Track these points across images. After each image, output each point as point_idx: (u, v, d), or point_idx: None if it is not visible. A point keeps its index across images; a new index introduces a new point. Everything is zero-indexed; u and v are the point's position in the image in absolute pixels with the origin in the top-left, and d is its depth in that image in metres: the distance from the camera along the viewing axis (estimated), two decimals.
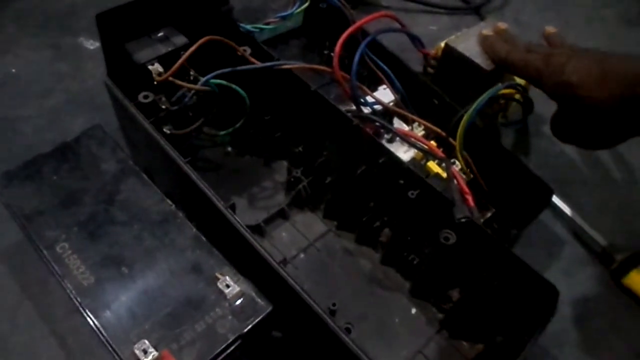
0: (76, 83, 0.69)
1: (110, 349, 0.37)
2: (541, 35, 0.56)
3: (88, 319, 0.38)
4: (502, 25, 0.60)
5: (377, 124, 0.54)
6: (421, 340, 0.49)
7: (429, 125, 0.56)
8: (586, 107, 0.47)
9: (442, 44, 0.62)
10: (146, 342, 0.37)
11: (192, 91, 0.51)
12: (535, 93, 0.54)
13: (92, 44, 0.74)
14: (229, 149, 0.61)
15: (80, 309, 0.39)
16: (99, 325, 0.38)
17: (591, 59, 0.47)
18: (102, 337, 0.37)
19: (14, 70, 0.70)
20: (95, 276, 0.40)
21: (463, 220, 0.44)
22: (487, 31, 0.59)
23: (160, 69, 0.50)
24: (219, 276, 0.40)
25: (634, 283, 0.57)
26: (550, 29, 0.55)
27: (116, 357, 0.36)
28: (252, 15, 0.80)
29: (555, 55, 0.49)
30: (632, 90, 0.44)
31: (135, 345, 0.36)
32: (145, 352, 0.36)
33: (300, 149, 0.56)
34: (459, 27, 0.66)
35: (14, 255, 0.53)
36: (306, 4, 0.64)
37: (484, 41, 0.58)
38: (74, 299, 0.39)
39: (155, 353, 0.36)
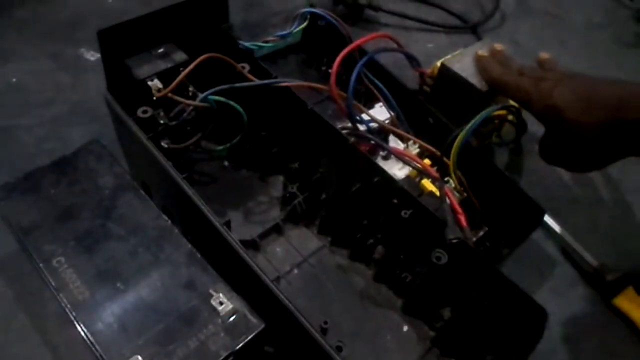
0: (76, 94, 0.70)
1: None
2: (537, 56, 0.57)
3: (82, 333, 0.39)
4: (498, 46, 0.61)
5: (373, 141, 0.55)
6: (412, 358, 0.50)
7: (423, 144, 0.57)
8: (572, 131, 0.48)
9: (438, 63, 0.62)
10: (139, 357, 0.37)
11: (191, 107, 0.51)
12: (529, 114, 0.54)
13: (93, 55, 0.75)
14: (226, 163, 0.61)
15: (75, 322, 0.39)
16: (92, 340, 0.38)
17: (578, 83, 0.48)
18: (95, 351, 0.38)
19: (14, 80, 0.70)
20: (91, 290, 0.40)
21: (454, 240, 0.45)
22: (482, 52, 0.60)
23: (160, 85, 0.51)
24: (213, 293, 0.41)
25: (624, 304, 0.57)
26: (544, 54, 0.55)
27: None
28: (252, 29, 0.81)
29: (545, 80, 0.50)
30: (614, 115, 0.45)
31: None
32: None
33: (296, 165, 0.57)
34: (456, 45, 0.67)
35: (9, 266, 0.53)
36: (305, 24, 0.65)
37: (478, 61, 0.59)
38: (69, 313, 0.39)
39: None
